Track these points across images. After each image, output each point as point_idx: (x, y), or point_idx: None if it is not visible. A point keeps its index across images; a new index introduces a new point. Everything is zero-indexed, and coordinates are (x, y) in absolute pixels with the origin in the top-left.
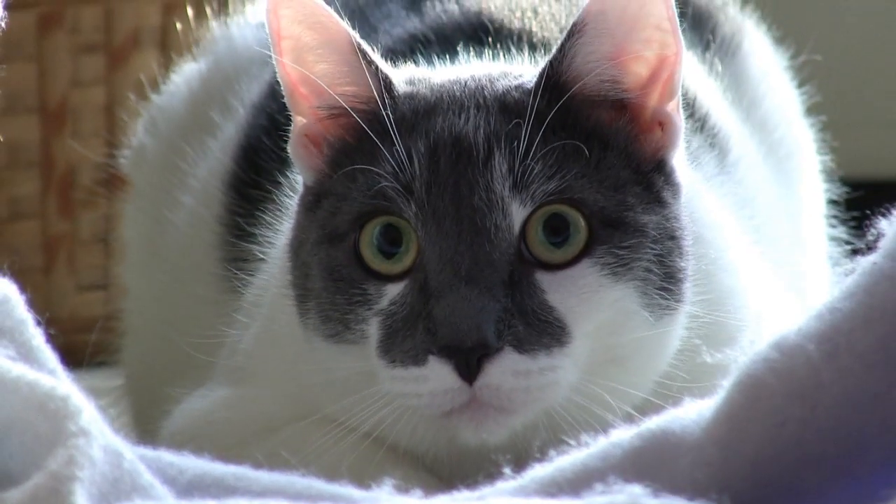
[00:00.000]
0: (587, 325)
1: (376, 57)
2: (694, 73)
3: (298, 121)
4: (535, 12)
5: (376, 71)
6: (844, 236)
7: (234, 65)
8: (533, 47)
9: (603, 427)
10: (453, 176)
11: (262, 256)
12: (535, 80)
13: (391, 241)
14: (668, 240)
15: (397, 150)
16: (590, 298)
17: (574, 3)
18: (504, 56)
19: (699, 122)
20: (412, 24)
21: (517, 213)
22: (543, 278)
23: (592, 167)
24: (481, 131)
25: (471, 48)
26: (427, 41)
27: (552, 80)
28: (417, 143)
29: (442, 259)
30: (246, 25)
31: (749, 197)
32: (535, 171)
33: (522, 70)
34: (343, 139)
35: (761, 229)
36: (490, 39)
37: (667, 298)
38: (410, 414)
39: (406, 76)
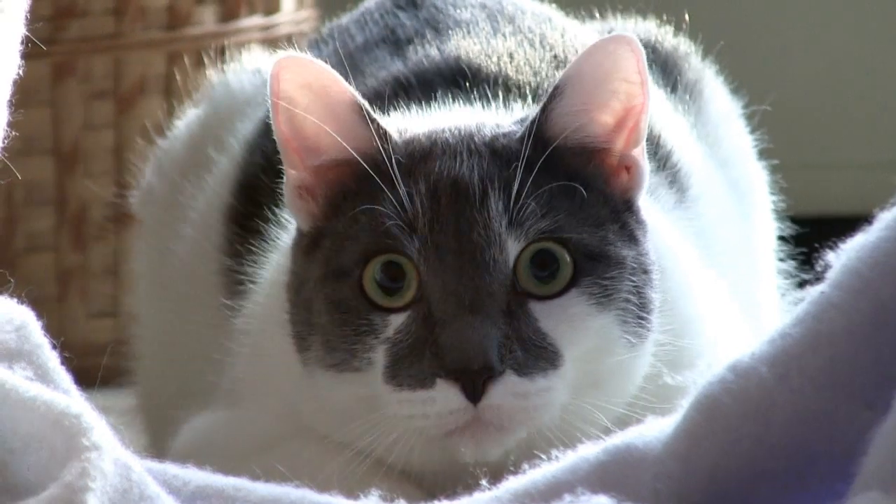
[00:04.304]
0: (577, 349)
1: (377, 114)
2: (661, 110)
3: (291, 174)
4: (511, 57)
5: (377, 127)
6: (792, 270)
7: (229, 107)
8: (508, 90)
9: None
10: (453, 214)
11: (251, 285)
12: (522, 131)
13: (392, 278)
14: (643, 273)
15: (399, 192)
16: (578, 325)
17: (548, 49)
18: (481, 99)
19: (661, 160)
20: (396, 67)
21: (512, 247)
22: (536, 307)
23: (577, 207)
24: (476, 174)
25: (449, 92)
26: (409, 84)
27: (538, 134)
28: (418, 185)
29: (445, 290)
30: (242, 71)
31: (709, 229)
32: (528, 210)
33: (498, 120)
34: (343, 184)
35: (721, 259)
36: (467, 84)
37: (642, 326)
38: (415, 436)
39: (396, 126)
